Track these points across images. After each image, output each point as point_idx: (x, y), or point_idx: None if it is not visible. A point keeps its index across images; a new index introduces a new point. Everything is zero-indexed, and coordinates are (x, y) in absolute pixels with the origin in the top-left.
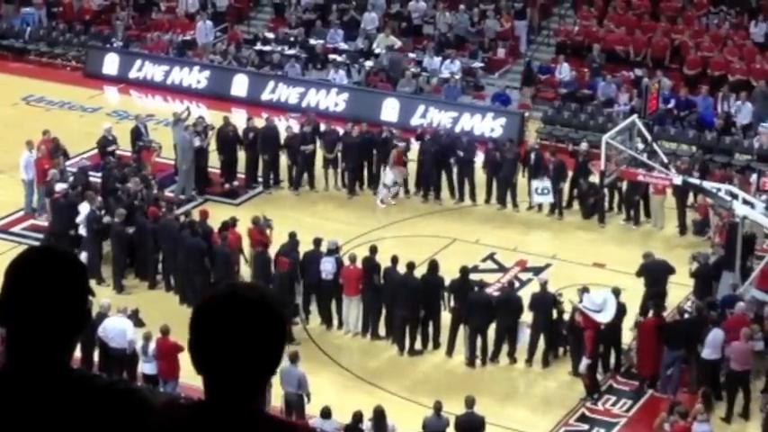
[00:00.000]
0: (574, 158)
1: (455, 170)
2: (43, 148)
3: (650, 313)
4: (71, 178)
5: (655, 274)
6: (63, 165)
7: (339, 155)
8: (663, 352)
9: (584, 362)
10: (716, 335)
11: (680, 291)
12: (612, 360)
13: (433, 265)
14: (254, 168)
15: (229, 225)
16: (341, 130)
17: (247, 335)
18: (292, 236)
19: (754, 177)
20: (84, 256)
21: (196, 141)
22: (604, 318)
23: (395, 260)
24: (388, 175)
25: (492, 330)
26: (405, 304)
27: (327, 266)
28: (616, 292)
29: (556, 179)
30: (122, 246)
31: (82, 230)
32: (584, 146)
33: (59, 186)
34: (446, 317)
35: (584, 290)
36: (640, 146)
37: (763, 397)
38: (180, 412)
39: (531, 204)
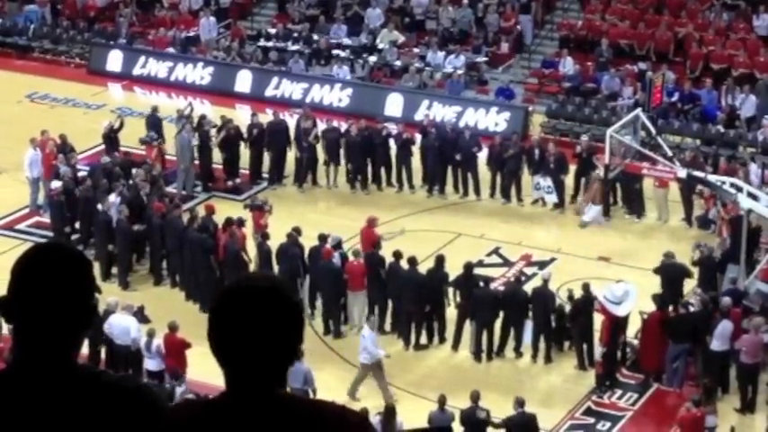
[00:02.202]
0: (577, 158)
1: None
2: (51, 144)
3: (654, 307)
4: (80, 174)
5: (672, 276)
6: (76, 159)
7: (341, 152)
8: (667, 346)
9: (599, 350)
10: (725, 326)
11: (685, 285)
12: (618, 353)
13: (440, 260)
14: (258, 165)
15: (234, 223)
16: (344, 126)
17: (266, 323)
18: (296, 231)
19: (754, 169)
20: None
21: (194, 140)
22: (623, 311)
23: (398, 255)
24: (590, 211)
25: (498, 325)
26: (410, 299)
27: (335, 260)
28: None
29: (556, 172)
30: (127, 242)
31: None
32: (584, 138)
33: (55, 184)
34: (451, 311)
35: (587, 285)
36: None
37: None
38: (197, 409)
39: (534, 198)
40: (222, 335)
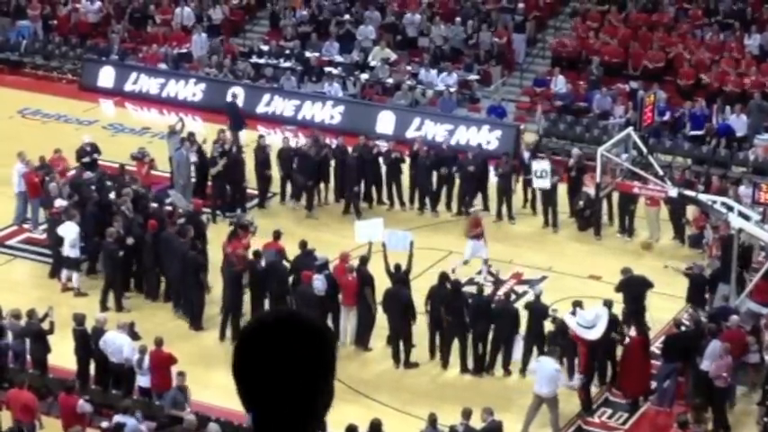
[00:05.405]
0: (567, 174)
1: (456, 183)
2: (31, 163)
3: (633, 332)
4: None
5: (633, 290)
6: (58, 180)
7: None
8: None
9: (577, 378)
10: (714, 346)
11: (672, 303)
12: (609, 372)
13: (443, 277)
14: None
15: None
16: (334, 143)
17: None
18: (278, 241)
19: (744, 189)
20: (75, 278)
21: (192, 156)
22: (594, 335)
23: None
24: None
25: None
26: (396, 317)
27: (318, 284)
28: (608, 304)
29: (550, 197)
30: (115, 265)
31: (70, 251)
32: (576, 151)
33: (59, 202)
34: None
35: (578, 304)
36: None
37: (760, 409)
38: None
39: (532, 186)
40: (249, 372)
